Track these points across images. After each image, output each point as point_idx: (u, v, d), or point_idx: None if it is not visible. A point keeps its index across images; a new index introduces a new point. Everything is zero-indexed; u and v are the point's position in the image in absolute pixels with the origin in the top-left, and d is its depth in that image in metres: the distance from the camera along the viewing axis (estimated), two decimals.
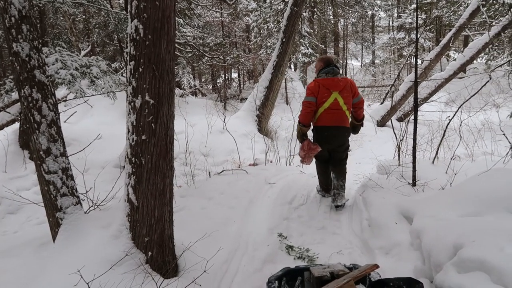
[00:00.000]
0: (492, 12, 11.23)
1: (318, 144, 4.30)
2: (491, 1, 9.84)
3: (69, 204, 3.05)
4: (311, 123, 4.43)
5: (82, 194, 3.49)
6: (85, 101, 7.88)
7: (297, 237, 3.72)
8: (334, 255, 3.29)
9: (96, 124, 10.18)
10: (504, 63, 10.47)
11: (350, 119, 4.44)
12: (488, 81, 5.44)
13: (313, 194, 4.82)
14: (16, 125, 8.03)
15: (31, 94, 2.83)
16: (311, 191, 4.91)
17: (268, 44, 15.39)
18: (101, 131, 8.12)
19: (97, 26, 13.82)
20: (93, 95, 6.87)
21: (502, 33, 9.64)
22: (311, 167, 6.82)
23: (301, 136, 4.41)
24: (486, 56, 14.43)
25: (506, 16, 9.34)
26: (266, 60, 15.82)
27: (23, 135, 7.51)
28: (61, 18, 13.36)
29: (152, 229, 2.74)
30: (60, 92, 10.20)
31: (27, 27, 2.79)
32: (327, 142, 4.35)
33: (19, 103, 7.31)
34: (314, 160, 4.56)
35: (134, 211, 2.75)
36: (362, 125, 4.59)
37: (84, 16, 14.21)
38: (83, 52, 12.86)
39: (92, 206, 3.60)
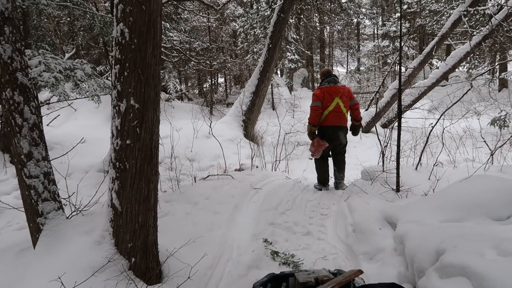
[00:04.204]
0: (473, 22, 11.53)
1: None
2: (472, 12, 10.09)
3: (51, 209, 2.99)
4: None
5: (64, 199, 3.42)
6: (69, 104, 7.75)
7: (282, 242, 3.72)
8: (319, 261, 3.30)
9: (80, 128, 10.02)
10: (484, 72, 10.74)
11: (347, 120, 5.17)
12: (469, 89, 5.56)
13: (298, 199, 4.84)
14: None
15: (13, 97, 2.78)
16: (296, 196, 4.92)
17: (255, 49, 15.45)
18: (85, 135, 7.98)
19: (82, 28, 13.67)
20: (77, 98, 6.77)
21: (482, 43, 9.89)
22: (297, 173, 6.86)
23: (311, 135, 5.22)
24: (468, 64, 14.80)
25: (487, 26, 9.58)
26: (252, 65, 15.87)
27: (4, 138, 7.35)
28: (45, 20, 13.15)
29: (136, 235, 2.71)
30: (43, 95, 10.05)
31: (10, 28, 2.74)
32: (332, 139, 5.12)
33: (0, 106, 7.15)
34: (314, 158, 5.38)
35: (118, 217, 2.71)
36: (360, 125, 5.38)
37: (68, 19, 14.01)
38: (67, 55, 12.68)
39: (74, 211, 3.53)
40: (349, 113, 5.25)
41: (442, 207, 3.01)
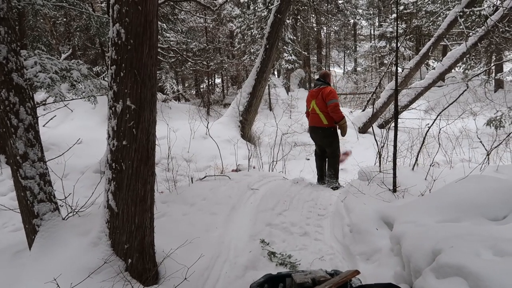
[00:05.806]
0: (469, 23, 11.58)
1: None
2: (468, 13, 10.14)
3: (47, 210, 2.98)
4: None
5: (60, 200, 3.41)
6: (65, 105, 7.72)
7: (279, 243, 3.72)
8: (316, 261, 3.29)
9: (76, 129, 10.00)
10: (480, 73, 10.79)
11: (324, 121, 5.36)
12: (465, 89, 5.59)
13: (295, 199, 4.84)
14: None
15: (8, 97, 2.76)
16: (293, 197, 4.92)
17: (252, 50, 15.45)
18: (81, 136, 7.97)
19: (78, 29, 13.61)
20: (73, 99, 6.74)
21: (478, 44, 9.94)
22: (295, 173, 6.86)
23: None
24: (464, 65, 14.86)
25: (483, 27, 9.62)
26: (249, 66, 15.86)
27: None
28: (41, 20, 13.11)
29: (132, 236, 2.70)
30: (39, 96, 10.01)
31: (5, 29, 2.73)
32: (312, 138, 5.77)
33: None
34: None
35: (114, 218, 2.70)
36: (341, 126, 5.41)
37: (65, 19, 13.97)
38: (63, 56, 12.64)
39: (70, 212, 3.51)
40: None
41: (439, 207, 3.01)
